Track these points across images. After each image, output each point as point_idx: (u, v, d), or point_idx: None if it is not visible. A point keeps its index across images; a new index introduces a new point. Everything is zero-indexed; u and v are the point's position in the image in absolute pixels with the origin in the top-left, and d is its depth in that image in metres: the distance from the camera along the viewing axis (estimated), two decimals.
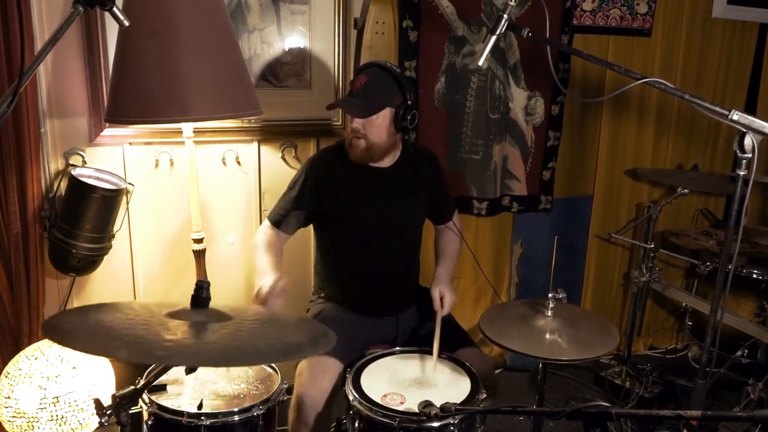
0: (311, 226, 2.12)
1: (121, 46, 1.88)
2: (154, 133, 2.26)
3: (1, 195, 2.01)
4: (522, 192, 2.94)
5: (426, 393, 1.67)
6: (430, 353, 1.86)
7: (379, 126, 1.88)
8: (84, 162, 2.21)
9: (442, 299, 1.94)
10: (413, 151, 2.04)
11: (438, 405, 1.40)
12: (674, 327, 3.45)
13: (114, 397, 1.29)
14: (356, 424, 1.63)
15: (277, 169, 2.48)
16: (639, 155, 3.14)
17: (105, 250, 2.17)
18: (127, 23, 1.37)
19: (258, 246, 2.01)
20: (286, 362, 1.90)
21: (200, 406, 1.63)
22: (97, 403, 1.30)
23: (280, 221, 2.04)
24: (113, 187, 2.12)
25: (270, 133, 2.44)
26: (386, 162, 2.00)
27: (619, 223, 3.18)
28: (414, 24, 2.58)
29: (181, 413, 1.60)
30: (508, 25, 1.65)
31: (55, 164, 2.19)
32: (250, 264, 2.47)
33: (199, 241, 2.16)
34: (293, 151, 2.50)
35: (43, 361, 1.92)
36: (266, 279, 1.79)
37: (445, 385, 1.73)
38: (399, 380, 1.74)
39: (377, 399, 1.63)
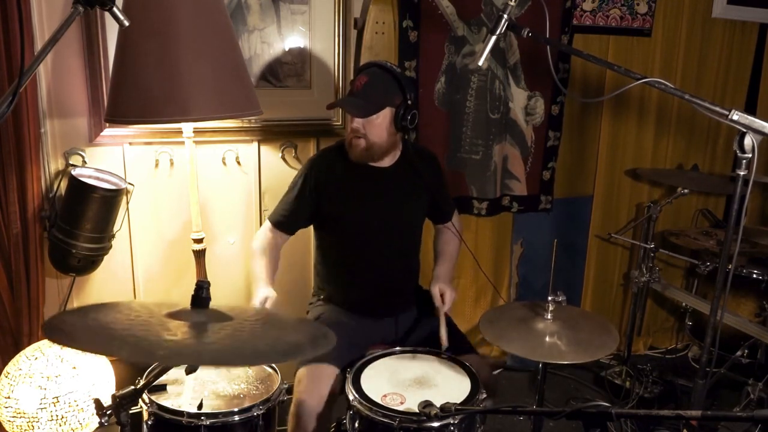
0: (311, 227, 2.12)
1: (121, 46, 1.88)
2: (154, 133, 2.26)
3: (1, 195, 2.01)
4: (522, 192, 2.94)
5: (426, 393, 1.67)
6: (431, 353, 1.86)
7: (379, 126, 1.89)
8: (84, 162, 2.21)
9: (442, 296, 1.94)
10: (413, 151, 2.04)
11: (438, 405, 1.40)
12: (674, 327, 3.45)
13: (114, 397, 1.29)
14: (356, 424, 1.63)
15: (277, 169, 2.48)
16: (639, 155, 3.14)
17: (105, 250, 2.17)
18: (127, 23, 1.37)
19: (255, 250, 2.03)
20: (286, 362, 1.91)
21: (200, 406, 1.63)
22: (97, 403, 1.30)
23: (280, 222, 2.04)
24: (113, 187, 2.12)
25: (270, 133, 2.44)
26: (386, 162, 2.00)
27: (619, 223, 3.18)
28: (414, 24, 2.58)
29: (181, 413, 1.59)
30: (508, 25, 1.65)
31: (55, 164, 2.19)
32: (250, 264, 2.47)
33: (199, 241, 2.16)
34: (293, 151, 2.50)
35: (43, 361, 1.92)
36: (257, 295, 1.86)
37: (445, 385, 1.73)
38: (399, 380, 1.74)
39: (377, 399, 1.63)
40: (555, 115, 2.90)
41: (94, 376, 1.99)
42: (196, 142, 2.14)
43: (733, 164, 3.25)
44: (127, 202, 2.26)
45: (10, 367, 1.92)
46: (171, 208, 2.36)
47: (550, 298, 1.78)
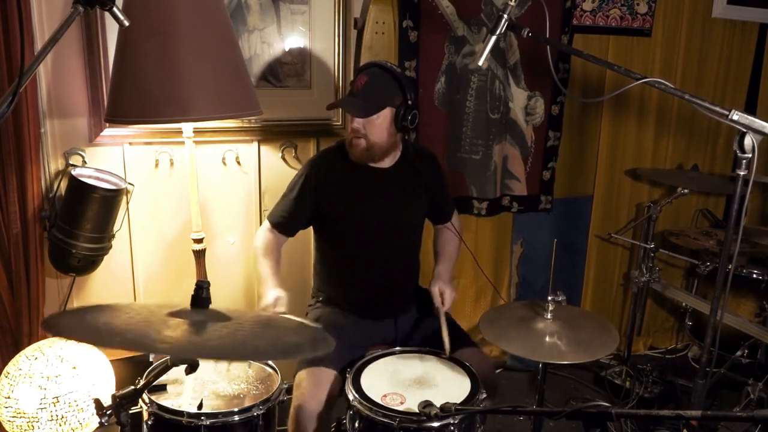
0: (311, 227, 2.12)
1: (121, 46, 1.88)
2: (154, 133, 2.26)
3: (1, 195, 2.01)
4: (522, 192, 2.94)
5: (426, 393, 1.67)
6: (431, 353, 1.87)
7: (379, 126, 1.88)
8: (84, 162, 2.21)
9: (442, 296, 1.94)
10: (413, 151, 2.04)
11: (438, 405, 1.40)
12: (674, 327, 3.45)
13: (114, 397, 1.29)
14: (356, 424, 1.63)
15: (277, 169, 2.48)
16: (639, 155, 3.14)
17: (105, 250, 2.17)
18: (127, 23, 1.37)
19: (258, 249, 2.02)
20: (286, 362, 1.91)
21: (200, 406, 1.63)
22: (97, 403, 1.30)
23: (280, 223, 2.04)
24: (113, 187, 2.12)
25: (270, 133, 2.44)
26: (386, 162, 2.00)
27: (619, 223, 3.18)
28: (414, 24, 2.58)
29: (181, 413, 1.59)
30: (508, 25, 1.65)
31: (55, 164, 2.19)
32: (250, 264, 2.47)
33: (199, 241, 2.16)
34: (293, 151, 2.50)
35: (43, 361, 1.92)
36: (268, 296, 1.85)
37: (445, 385, 1.73)
38: (399, 380, 1.74)
39: (377, 399, 1.63)
40: (555, 115, 2.90)
41: (94, 376, 1.99)
42: (196, 142, 2.14)
43: (733, 164, 3.25)
44: (127, 202, 2.26)
45: (10, 367, 1.92)
46: (171, 208, 2.36)
47: (550, 297, 1.78)
